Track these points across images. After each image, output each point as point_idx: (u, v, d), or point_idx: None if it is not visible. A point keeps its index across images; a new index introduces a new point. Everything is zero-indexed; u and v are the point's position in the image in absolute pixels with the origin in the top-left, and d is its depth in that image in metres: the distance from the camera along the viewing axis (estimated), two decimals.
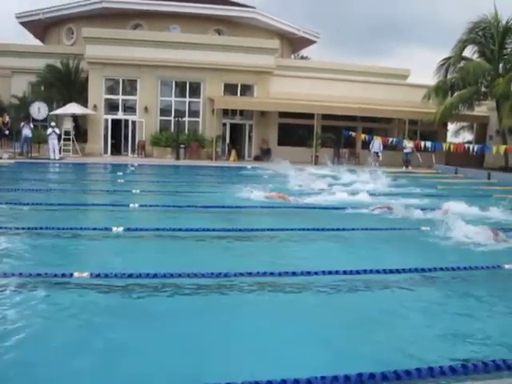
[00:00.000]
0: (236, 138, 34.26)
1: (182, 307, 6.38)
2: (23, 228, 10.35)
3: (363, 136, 33.27)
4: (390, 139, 32.72)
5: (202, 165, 28.38)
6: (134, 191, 15.77)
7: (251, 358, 4.81)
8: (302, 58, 57.53)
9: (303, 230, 10.50)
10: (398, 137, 34.21)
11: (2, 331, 5.33)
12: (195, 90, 33.39)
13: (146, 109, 32.23)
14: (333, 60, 49.96)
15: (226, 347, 5.09)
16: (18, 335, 5.27)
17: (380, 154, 32.06)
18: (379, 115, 33.83)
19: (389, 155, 32.71)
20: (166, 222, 11.51)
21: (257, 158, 32.67)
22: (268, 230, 10.53)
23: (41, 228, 10.29)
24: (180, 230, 10.19)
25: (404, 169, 30.93)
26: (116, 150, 32.64)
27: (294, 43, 46.66)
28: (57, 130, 28.62)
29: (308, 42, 47.58)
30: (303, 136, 35.01)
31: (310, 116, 32.35)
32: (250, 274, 7.08)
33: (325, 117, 33.46)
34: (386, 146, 32.60)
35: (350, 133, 33.48)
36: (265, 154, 32.71)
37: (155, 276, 7.13)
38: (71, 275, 7.04)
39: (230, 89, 33.79)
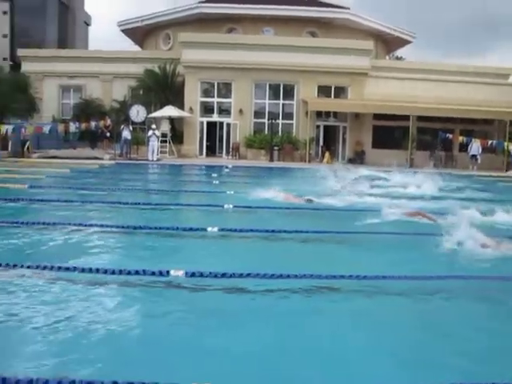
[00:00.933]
0: (330, 140, 34.00)
1: (273, 308, 6.36)
2: (122, 226, 10.69)
3: (461, 138, 32.17)
4: (490, 142, 31.47)
5: (292, 166, 28.34)
6: (228, 192, 15.93)
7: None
8: (397, 58, 56.42)
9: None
10: (499, 139, 32.79)
11: (105, 326, 5.51)
12: (289, 92, 33.44)
13: (240, 111, 32.61)
14: (428, 60, 48.64)
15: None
16: (118, 329, 5.46)
17: (478, 157, 30.89)
18: (478, 116, 32.57)
19: (488, 158, 31.45)
20: (259, 223, 11.51)
21: (350, 161, 32.30)
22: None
23: (139, 227, 10.61)
24: (273, 231, 10.21)
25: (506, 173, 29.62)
26: (211, 151, 33.21)
27: (389, 43, 45.80)
28: (157, 133, 29.56)
29: (403, 42, 46.55)
30: (398, 138, 34.27)
31: (405, 118, 31.62)
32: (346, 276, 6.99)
33: (420, 118, 32.60)
34: (484, 149, 31.37)
35: (447, 135, 32.43)
36: (359, 157, 32.30)
37: (248, 276, 7.17)
38: (168, 273, 7.20)
39: (323, 91, 33.61)
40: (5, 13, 57.19)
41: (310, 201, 13.64)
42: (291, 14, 37.98)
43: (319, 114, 33.36)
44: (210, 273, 7.27)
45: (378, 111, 32.08)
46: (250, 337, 5.50)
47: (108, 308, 6.16)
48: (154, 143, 29.45)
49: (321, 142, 33.68)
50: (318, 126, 33.55)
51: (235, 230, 10.29)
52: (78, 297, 6.57)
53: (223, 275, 7.23)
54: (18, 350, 5.03)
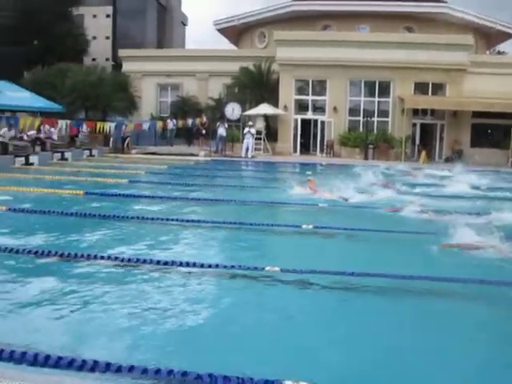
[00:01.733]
0: (426, 139, 33.11)
1: (365, 305, 6.33)
2: (219, 222, 10.89)
3: None
4: None
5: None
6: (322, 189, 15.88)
7: None
8: (499, 53, 54.17)
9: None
10: None
11: (204, 317, 5.69)
12: (384, 89, 32.85)
13: (334, 109, 32.39)
14: None
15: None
16: (213, 321, 5.63)
17: None
18: None
19: None
20: (352, 221, 11.39)
21: (447, 160, 31.32)
22: None
23: (236, 223, 10.78)
24: (366, 230, 10.11)
25: None
26: (305, 149, 33.18)
27: (490, 38, 43.98)
28: (252, 130, 29.88)
29: (505, 36, 44.61)
30: (498, 137, 32.86)
31: (507, 116, 30.34)
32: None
33: None
34: None
35: None
36: (456, 156, 31.27)
37: (342, 274, 7.14)
38: (263, 269, 7.29)
39: (420, 88, 32.77)
40: (108, 16, 59.44)
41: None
42: (387, 9, 37.28)
43: (416, 112, 32.56)
44: (305, 269, 7.33)
45: (479, 109, 30.79)
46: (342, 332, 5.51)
47: (206, 300, 6.34)
48: (249, 140, 29.81)
49: (417, 141, 32.87)
50: (414, 124, 32.77)
51: (330, 228, 10.27)
52: (178, 288, 6.80)
53: (319, 272, 7.26)
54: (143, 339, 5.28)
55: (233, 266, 7.54)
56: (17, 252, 8.21)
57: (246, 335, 5.46)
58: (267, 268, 7.35)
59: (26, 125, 24.51)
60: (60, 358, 4.51)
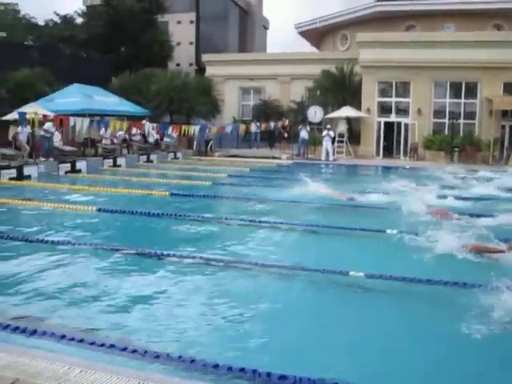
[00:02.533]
0: None
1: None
2: (301, 224, 10.90)
3: None
4: None
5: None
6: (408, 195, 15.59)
7: None
8: None
9: None
10: None
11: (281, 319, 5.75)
12: (471, 90, 31.87)
13: (418, 111, 31.74)
14: None
15: None
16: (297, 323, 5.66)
17: None
18: None
19: None
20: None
21: None
22: None
23: (317, 226, 10.76)
24: None
25: None
26: (388, 152, 32.67)
27: None
28: (331, 133, 29.69)
29: None
30: None
31: None
32: None
33: None
34: None
35: None
36: None
37: (429, 282, 7.00)
38: (347, 273, 7.27)
39: (509, 88, 31.56)
40: (191, 22, 60.81)
41: None
42: (475, 7, 36.17)
43: (505, 114, 31.40)
44: (390, 276, 7.26)
45: None
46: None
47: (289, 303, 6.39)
48: (328, 143, 29.65)
49: (506, 144, 31.70)
50: (503, 126, 31.62)
51: (415, 234, 10.00)
52: (265, 289, 6.88)
53: (403, 279, 7.17)
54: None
55: (317, 270, 7.57)
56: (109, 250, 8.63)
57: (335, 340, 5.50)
58: (351, 273, 7.35)
59: (115, 128, 25.45)
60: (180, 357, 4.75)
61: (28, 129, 21.46)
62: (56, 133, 22.65)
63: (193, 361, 4.63)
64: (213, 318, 5.86)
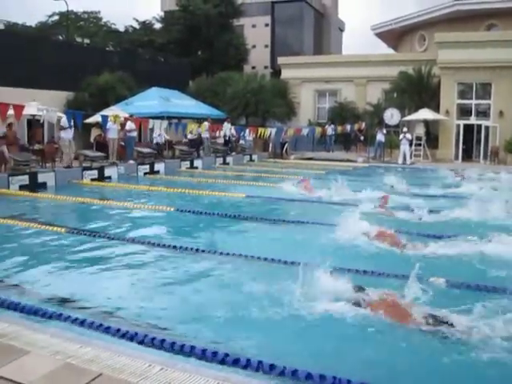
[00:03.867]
0: None
1: None
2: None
3: None
4: None
5: None
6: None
7: None
8: None
9: None
10: None
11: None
12: None
13: (500, 113, 30.61)
14: None
15: None
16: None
17: None
18: None
19: None
20: None
21: None
22: None
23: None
24: None
25: None
26: (467, 155, 31.69)
27: None
28: (408, 136, 29.06)
29: None
30: None
31: None
32: None
33: None
34: None
35: None
36: None
37: None
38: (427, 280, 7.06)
39: None
40: (266, 25, 61.19)
41: None
42: None
43: None
44: (477, 285, 7.01)
45: None
46: None
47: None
48: (406, 146, 29.06)
49: None
50: None
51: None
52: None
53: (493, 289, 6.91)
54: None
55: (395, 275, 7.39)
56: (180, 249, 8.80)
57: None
58: (431, 279, 7.15)
59: (193, 130, 25.95)
60: (226, 355, 4.76)
61: (115, 129, 22.11)
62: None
63: (272, 366, 4.59)
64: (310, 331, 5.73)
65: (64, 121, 19.40)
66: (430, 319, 5.60)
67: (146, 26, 51.91)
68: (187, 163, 24.60)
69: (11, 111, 16.16)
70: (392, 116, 30.78)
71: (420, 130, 31.33)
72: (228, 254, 8.56)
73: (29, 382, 3.73)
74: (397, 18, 42.98)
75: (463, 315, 5.74)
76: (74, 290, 6.82)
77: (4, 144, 18.33)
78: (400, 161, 29.01)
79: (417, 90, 32.66)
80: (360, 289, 6.34)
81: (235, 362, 4.68)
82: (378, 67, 35.65)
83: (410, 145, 29.88)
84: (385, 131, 30.48)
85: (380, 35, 46.64)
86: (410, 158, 29.58)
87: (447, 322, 5.51)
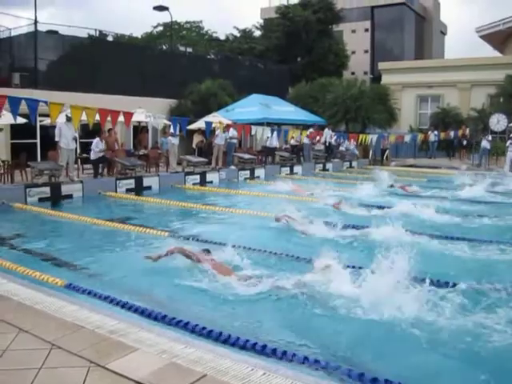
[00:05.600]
0: None
1: None
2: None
3: None
4: None
5: None
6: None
7: None
8: None
9: None
10: None
11: None
12: None
13: None
14: None
15: None
16: None
17: None
18: None
19: None
20: None
21: None
22: None
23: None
24: None
25: None
26: None
27: None
28: None
29: None
30: None
31: None
32: None
33: None
34: None
35: None
36: None
37: None
38: None
39: None
40: (366, 30, 60.52)
41: None
42: None
43: None
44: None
45: None
46: None
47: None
48: None
49: None
50: None
51: None
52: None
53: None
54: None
55: None
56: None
57: None
58: None
59: (294, 137, 26.15)
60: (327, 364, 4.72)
61: (223, 136, 22.61)
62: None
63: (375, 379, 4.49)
64: None
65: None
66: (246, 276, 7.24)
67: (246, 33, 52.70)
68: (287, 169, 24.72)
69: (121, 118, 16.84)
70: (498, 122, 29.49)
71: None
72: None
73: (138, 378, 3.85)
74: (504, 19, 41.17)
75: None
76: (172, 294, 7.02)
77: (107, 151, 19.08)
78: (506, 169, 27.67)
79: None
80: (206, 251, 7.96)
81: (336, 369, 4.64)
82: (483, 71, 34.46)
83: None
84: (490, 138, 29.18)
85: (485, 37, 44.81)
86: None
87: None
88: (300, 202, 14.70)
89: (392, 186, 16.72)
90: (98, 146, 17.99)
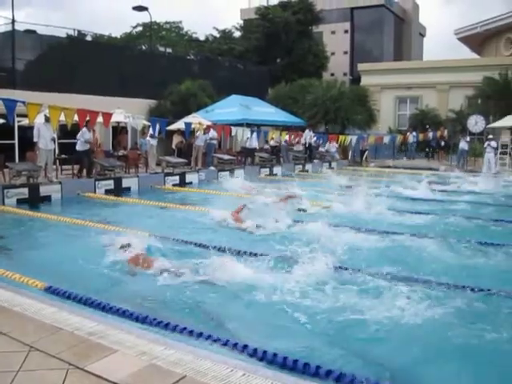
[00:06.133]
0: None
1: None
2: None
3: None
4: None
5: None
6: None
7: None
8: None
9: None
10: None
11: None
12: None
13: None
14: None
15: None
16: None
17: None
18: None
19: None
20: None
21: None
22: None
23: None
24: None
25: None
26: None
27: None
28: (493, 144, 27.97)
29: None
30: None
31: None
32: None
33: None
34: None
35: None
36: None
37: None
38: None
39: None
40: (346, 32, 60.85)
41: None
42: None
43: None
44: None
45: None
46: None
47: None
48: (490, 155, 27.94)
49: None
50: None
51: None
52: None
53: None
54: None
55: None
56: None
57: None
58: None
59: (274, 137, 26.21)
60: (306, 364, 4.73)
61: (203, 138, 22.61)
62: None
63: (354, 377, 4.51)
64: None
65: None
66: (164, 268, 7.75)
67: (225, 34, 52.71)
68: (266, 170, 24.76)
69: (100, 119, 16.74)
70: (476, 123, 29.83)
71: (506, 138, 30.17)
72: None
73: (117, 380, 3.84)
74: (482, 22, 41.72)
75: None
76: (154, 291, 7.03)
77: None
78: (484, 170, 27.96)
79: (503, 95, 31.53)
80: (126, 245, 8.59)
81: (316, 372, 4.65)
82: (461, 73, 34.86)
83: (495, 153, 28.81)
84: (468, 139, 29.51)
85: (463, 39, 45.43)
86: (495, 166, 28.51)
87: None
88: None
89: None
90: (84, 135, 17.56)
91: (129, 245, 8.61)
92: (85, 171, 18.15)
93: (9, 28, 24.86)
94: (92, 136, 18.26)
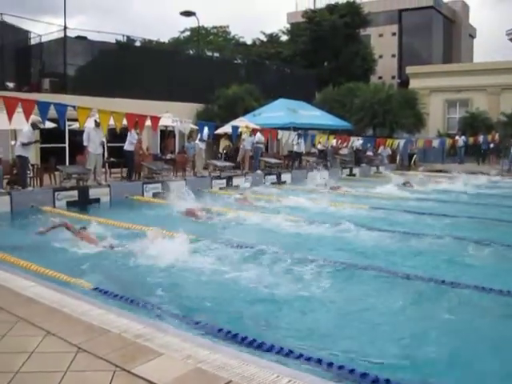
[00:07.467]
0: None
1: None
2: None
3: None
4: None
5: None
6: None
7: None
8: None
9: None
10: None
11: None
12: None
13: None
14: None
15: None
16: None
17: None
18: None
19: None
20: None
21: None
22: None
23: None
24: None
25: None
26: None
27: None
28: None
29: None
30: None
31: None
32: None
33: None
34: None
35: None
36: None
37: None
38: None
39: None
40: (394, 34, 60.13)
41: None
42: None
43: None
44: None
45: None
46: None
47: None
48: None
49: None
50: None
51: None
52: None
53: None
54: None
55: None
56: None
57: None
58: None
59: (322, 141, 26.09)
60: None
61: (250, 141, 22.68)
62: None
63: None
64: None
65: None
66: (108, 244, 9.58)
67: (272, 38, 52.81)
68: (313, 174, 24.67)
69: (148, 122, 16.93)
70: None
71: None
72: None
73: (162, 383, 3.85)
74: None
75: None
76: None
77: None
78: None
79: None
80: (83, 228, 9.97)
81: (363, 376, 4.57)
82: None
83: None
84: None
85: None
86: None
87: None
88: None
89: None
90: (134, 137, 18.19)
91: None
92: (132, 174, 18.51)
93: (61, 35, 25.51)
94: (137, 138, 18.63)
